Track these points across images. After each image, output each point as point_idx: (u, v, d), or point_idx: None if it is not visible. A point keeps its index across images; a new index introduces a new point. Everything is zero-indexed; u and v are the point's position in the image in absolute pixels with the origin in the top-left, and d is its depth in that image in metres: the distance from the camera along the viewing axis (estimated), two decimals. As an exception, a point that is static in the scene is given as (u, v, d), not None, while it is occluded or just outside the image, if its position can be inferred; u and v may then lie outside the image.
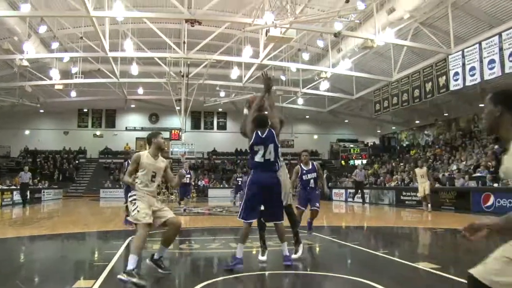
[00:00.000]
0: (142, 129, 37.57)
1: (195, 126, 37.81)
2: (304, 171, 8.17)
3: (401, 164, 25.65)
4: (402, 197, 20.06)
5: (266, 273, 5.17)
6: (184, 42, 21.04)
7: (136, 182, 5.00)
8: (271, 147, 5.28)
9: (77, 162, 36.15)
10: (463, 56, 17.87)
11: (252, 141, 5.34)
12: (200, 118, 38.52)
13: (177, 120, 30.83)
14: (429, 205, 15.59)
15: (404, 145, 33.83)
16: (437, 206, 16.66)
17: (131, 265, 4.34)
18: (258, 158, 5.29)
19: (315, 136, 39.90)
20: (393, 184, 22.69)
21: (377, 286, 4.17)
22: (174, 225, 4.98)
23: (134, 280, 4.21)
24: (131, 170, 5.10)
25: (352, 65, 22.75)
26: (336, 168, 36.91)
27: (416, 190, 19.47)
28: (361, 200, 21.09)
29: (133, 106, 34.93)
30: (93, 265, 5.77)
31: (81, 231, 9.44)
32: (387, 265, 5.50)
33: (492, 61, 16.47)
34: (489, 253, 1.92)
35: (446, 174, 19.97)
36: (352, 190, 23.35)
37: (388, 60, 22.22)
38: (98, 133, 37.64)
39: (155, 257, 4.96)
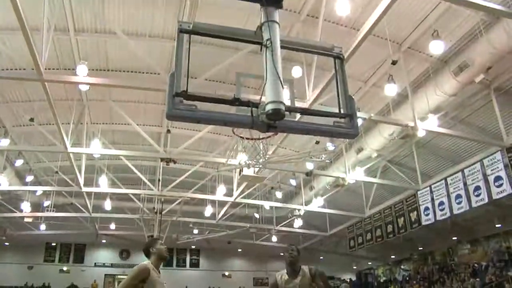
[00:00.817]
0: (112, 265, 35.85)
1: (167, 263, 36.09)
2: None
3: (381, 302, 24.80)
4: None
5: None
6: (158, 180, 21.28)
7: None
8: None
9: (38, 300, 33.41)
10: (431, 192, 18.43)
11: None
12: (172, 256, 37.24)
13: (147, 258, 29.72)
14: None
15: (382, 280, 33.00)
16: None
17: None
18: None
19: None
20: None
21: None
22: None
23: None
24: None
25: (325, 203, 23.14)
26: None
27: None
28: None
29: (104, 241, 33.72)
30: None
31: None
32: None
33: (458, 196, 16.97)
34: None
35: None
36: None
37: (359, 197, 22.77)
38: (65, 268, 35.46)
39: None
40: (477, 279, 20.36)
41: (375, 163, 19.49)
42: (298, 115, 4.36)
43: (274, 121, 3.70)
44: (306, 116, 4.53)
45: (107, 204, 23.59)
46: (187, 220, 26.82)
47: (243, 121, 3.82)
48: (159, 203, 24.25)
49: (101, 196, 23.89)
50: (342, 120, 4.06)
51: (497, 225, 22.12)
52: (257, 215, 26.97)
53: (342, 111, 4.13)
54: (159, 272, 4.22)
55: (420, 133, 15.06)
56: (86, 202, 23.43)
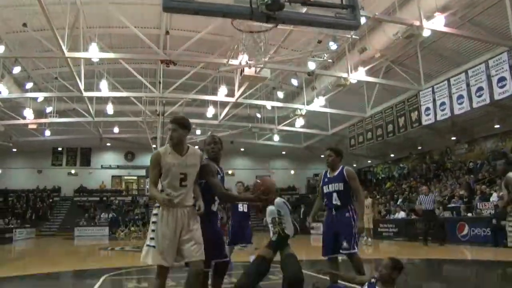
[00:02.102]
0: (118, 167, 37.22)
1: (171, 162, 37.41)
2: (326, 180, 5.51)
3: (378, 196, 25.94)
4: (379, 229, 20.21)
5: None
6: (159, 82, 21.20)
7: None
8: None
9: (51, 200, 35.30)
10: (433, 92, 18.54)
11: None
12: (175, 153, 38.20)
13: (153, 159, 30.53)
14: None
15: (380, 178, 34.25)
16: (413, 237, 17.11)
17: None
18: None
19: (292, 172, 40.07)
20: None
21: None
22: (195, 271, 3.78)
23: None
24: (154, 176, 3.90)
25: (327, 102, 23.24)
26: (314, 203, 36.82)
27: (392, 222, 19.84)
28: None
29: (108, 144, 34.59)
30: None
31: (54, 271, 9.20)
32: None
33: (460, 97, 17.14)
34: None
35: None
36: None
37: (361, 97, 22.78)
38: (73, 171, 36.96)
39: None
40: (471, 176, 21.08)
41: (378, 64, 19.20)
42: (299, 7, 4.23)
43: (273, 12, 3.60)
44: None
45: (109, 108, 23.77)
46: (190, 121, 27.03)
47: (242, 11, 3.73)
48: (161, 105, 24.43)
49: (103, 100, 24.01)
50: (344, 11, 3.96)
51: (496, 126, 22.39)
52: (259, 115, 27.21)
53: (343, 2, 4.02)
54: (182, 154, 3.96)
55: (426, 33, 14.72)
56: (88, 107, 23.63)
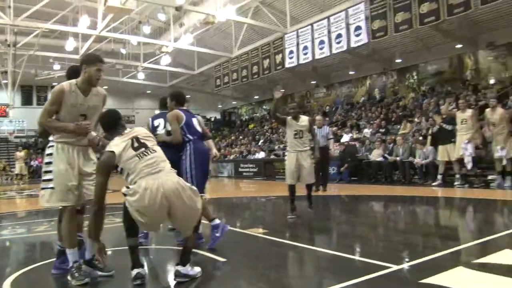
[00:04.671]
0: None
1: (27, 101, 33.62)
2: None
3: (241, 137, 26.64)
4: (240, 169, 20.89)
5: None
6: (9, 7, 18.31)
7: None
8: None
9: None
10: (298, 36, 19.10)
11: None
12: (31, 93, 34.47)
13: (4, 95, 27.10)
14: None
15: (244, 119, 35.15)
16: (270, 176, 17.77)
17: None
18: None
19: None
20: (232, 157, 23.39)
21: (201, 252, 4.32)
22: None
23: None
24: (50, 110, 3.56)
25: (194, 40, 22.63)
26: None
27: (253, 162, 20.59)
28: None
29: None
30: None
31: None
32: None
33: (322, 42, 17.98)
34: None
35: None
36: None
37: (229, 36, 22.64)
38: None
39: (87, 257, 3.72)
40: (327, 119, 22.64)
41: (247, 3, 19.08)
42: None
43: None
44: None
45: None
46: (47, 54, 24.31)
47: None
48: (12, 35, 21.45)
49: None
50: None
51: (350, 72, 24.08)
52: (123, 51, 25.52)
53: None
54: (86, 95, 3.61)
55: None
56: None
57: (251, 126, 30.51)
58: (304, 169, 6.54)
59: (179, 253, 3.55)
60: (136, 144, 3.48)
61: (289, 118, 6.78)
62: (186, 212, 3.38)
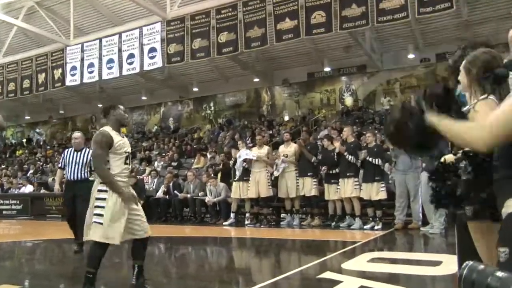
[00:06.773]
0: None
1: None
2: None
3: (3, 166, 21.76)
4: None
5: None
6: None
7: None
8: None
9: None
10: (82, 51, 16.44)
11: None
12: None
13: None
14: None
15: (10, 143, 29.21)
16: (41, 214, 14.90)
17: None
18: None
19: None
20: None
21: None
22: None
23: None
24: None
25: None
26: None
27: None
28: None
29: None
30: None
31: None
32: None
33: (111, 61, 15.82)
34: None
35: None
36: None
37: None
38: None
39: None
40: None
41: (19, 1, 15.67)
42: None
43: None
44: None
45: None
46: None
47: None
48: None
49: None
50: None
51: (143, 97, 22.35)
52: None
53: None
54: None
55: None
56: None
57: (19, 152, 25.45)
58: None
59: None
60: None
61: None
62: None
